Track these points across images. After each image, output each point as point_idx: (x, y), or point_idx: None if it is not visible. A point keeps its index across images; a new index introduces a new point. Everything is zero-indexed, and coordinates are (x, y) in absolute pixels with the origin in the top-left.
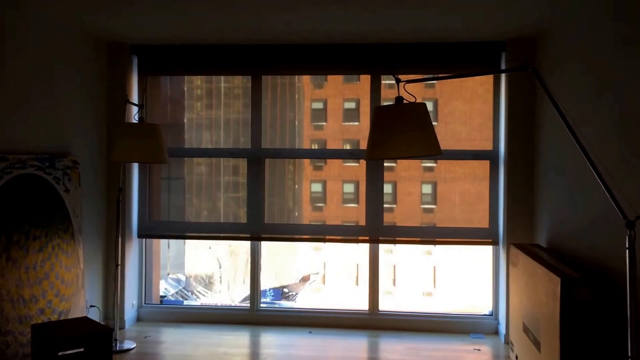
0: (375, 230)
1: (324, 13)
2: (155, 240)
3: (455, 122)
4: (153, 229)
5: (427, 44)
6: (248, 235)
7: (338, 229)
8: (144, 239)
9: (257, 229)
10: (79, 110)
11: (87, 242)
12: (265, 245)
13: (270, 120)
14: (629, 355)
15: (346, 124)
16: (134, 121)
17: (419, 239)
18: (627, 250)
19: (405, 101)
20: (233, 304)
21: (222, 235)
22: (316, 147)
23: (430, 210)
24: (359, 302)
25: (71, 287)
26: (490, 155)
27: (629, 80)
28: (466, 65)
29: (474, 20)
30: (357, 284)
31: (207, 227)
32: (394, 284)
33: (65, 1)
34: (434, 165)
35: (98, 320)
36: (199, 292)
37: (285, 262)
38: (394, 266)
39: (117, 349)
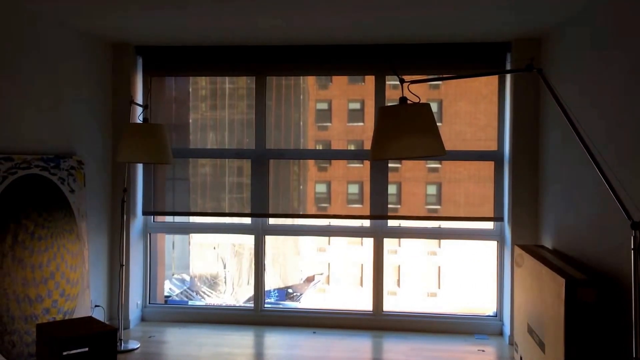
0: (380, 230)
1: (326, 15)
2: (159, 240)
3: (460, 122)
4: (157, 229)
5: (431, 45)
6: (250, 212)
7: (342, 229)
8: (148, 240)
9: (261, 229)
10: (84, 110)
11: (92, 242)
12: (270, 246)
13: (275, 121)
14: (634, 356)
15: (351, 124)
16: (139, 122)
17: (424, 218)
18: (632, 252)
19: (409, 102)
20: (237, 304)
21: (226, 214)
22: (321, 148)
23: (434, 211)
24: (363, 302)
25: (76, 287)
26: (495, 156)
27: (628, 82)
28: (471, 65)
29: (479, 20)
30: (361, 284)
31: (211, 227)
32: (399, 284)
33: (70, 3)
34: (439, 166)
35: (103, 320)
36: (203, 292)
37: (290, 263)
38: (399, 267)
39: (122, 348)
